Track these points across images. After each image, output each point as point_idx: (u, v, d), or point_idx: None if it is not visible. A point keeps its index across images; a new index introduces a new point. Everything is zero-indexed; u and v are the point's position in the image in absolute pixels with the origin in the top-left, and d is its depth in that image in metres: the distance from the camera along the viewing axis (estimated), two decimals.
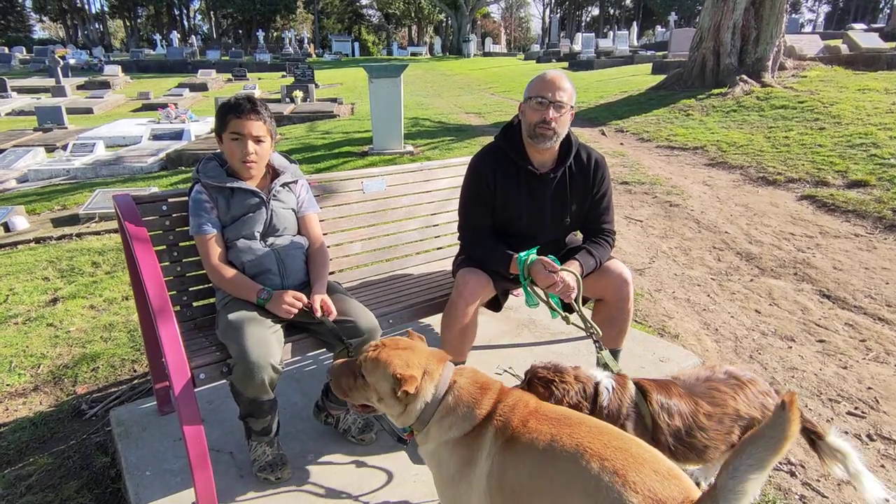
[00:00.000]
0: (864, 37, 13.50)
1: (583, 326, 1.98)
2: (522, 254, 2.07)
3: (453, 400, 1.42)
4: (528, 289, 2.10)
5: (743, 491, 0.99)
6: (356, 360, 1.50)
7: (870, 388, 2.63)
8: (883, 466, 2.14)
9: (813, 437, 1.64)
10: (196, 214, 2.00)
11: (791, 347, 3.02)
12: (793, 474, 2.10)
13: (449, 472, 1.39)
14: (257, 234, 2.07)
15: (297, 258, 2.13)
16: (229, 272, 2.00)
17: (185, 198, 2.17)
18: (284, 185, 2.14)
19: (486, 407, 1.40)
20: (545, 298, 2.08)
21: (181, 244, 2.16)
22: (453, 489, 1.39)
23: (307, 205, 2.22)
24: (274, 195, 2.10)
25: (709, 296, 3.66)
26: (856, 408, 2.49)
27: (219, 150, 2.10)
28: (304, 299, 1.96)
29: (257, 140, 1.98)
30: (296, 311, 1.94)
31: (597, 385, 1.64)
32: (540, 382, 1.64)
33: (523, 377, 1.73)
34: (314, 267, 2.15)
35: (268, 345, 1.82)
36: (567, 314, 2.02)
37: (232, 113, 1.95)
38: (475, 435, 1.37)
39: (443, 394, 1.43)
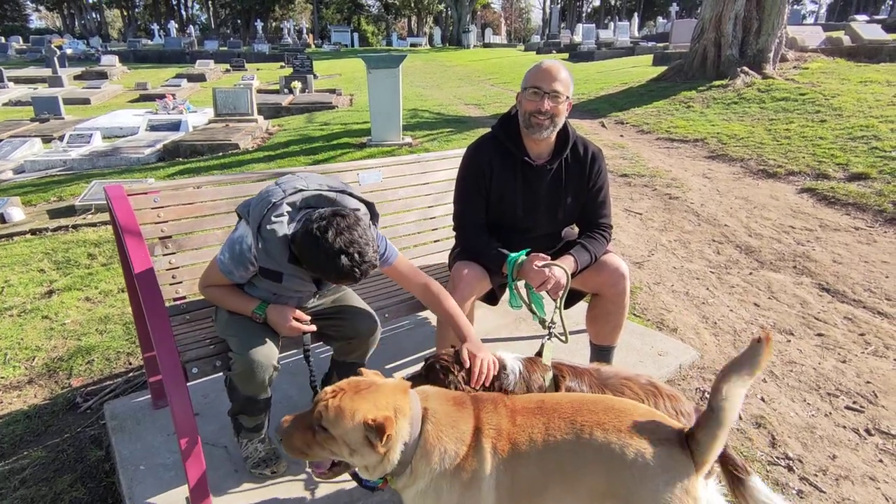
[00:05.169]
0: (867, 28, 13.38)
1: (557, 326, 1.94)
2: (513, 255, 2.06)
3: (433, 429, 1.30)
4: (514, 290, 2.09)
5: (731, 403, 1.18)
6: (310, 411, 1.32)
7: (868, 382, 2.62)
8: (881, 461, 2.13)
9: (735, 475, 1.38)
10: (233, 260, 1.75)
11: (790, 341, 3.00)
12: (790, 469, 2.09)
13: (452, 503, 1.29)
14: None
15: None
16: (220, 295, 1.86)
17: (179, 190, 2.15)
18: None
19: (469, 423, 1.31)
20: (527, 301, 2.07)
21: (175, 236, 2.13)
22: None
23: (388, 256, 1.92)
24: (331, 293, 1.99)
25: (708, 289, 3.64)
26: (854, 402, 2.48)
27: (282, 209, 1.70)
28: (307, 320, 1.85)
29: None
30: (300, 333, 1.83)
31: (502, 368, 1.71)
32: (441, 371, 1.67)
33: (423, 364, 1.75)
34: (445, 310, 1.88)
35: (270, 343, 1.79)
36: (544, 318, 1.99)
37: (349, 279, 1.63)
38: (471, 454, 1.28)
39: (419, 427, 1.30)
